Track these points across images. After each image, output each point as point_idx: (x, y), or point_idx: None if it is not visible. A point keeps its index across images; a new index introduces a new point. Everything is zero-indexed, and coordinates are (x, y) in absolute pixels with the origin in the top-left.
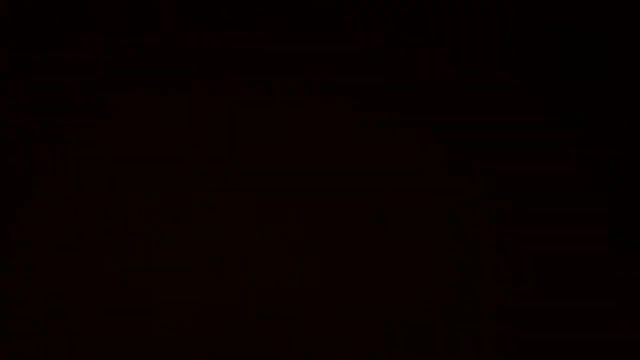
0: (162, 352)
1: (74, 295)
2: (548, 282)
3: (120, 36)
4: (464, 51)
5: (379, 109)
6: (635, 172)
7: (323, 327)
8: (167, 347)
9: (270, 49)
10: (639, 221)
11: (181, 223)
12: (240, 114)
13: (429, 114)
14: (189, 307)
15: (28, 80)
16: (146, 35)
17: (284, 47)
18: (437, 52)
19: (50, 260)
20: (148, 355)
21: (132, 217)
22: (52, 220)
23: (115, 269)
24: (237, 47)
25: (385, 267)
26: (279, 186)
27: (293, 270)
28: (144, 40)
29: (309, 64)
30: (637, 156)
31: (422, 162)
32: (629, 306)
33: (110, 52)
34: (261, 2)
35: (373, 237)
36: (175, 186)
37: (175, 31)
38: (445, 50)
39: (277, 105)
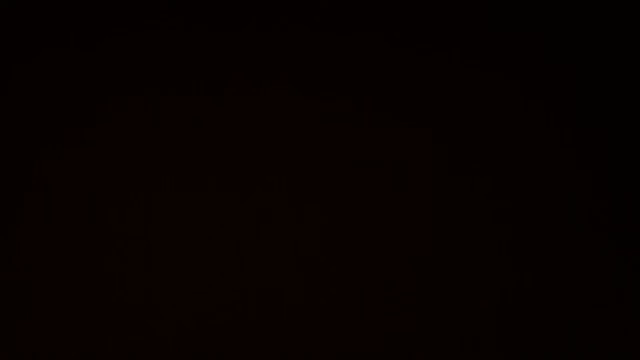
0: (162, 352)
1: (73, 294)
2: (548, 282)
3: (120, 37)
4: (464, 51)
5: (379, 109)
6: (636, 172)
7: (323, 327)
8: (167, 347)
9: (270, 49)
10: (639, 221)
11: (182, 223)
12: (239, 115)
13: (428, 113)
14: (189, 308)
15: (26, 82)
16: (146, 35)
17: (282, 48)
18: (437, 51)
19: (49, 260)
20: (147, 355)
21: (131, 217)
22: (51, 221)
23: (114, 269)
24: (239, 47)
25: (385, 267)
26: (277, 186)
27: (293, 270)
28: (143, 41)
29: (309, 64)
30: (637, 156)
31: (422, 162)
32: (629, 306)
33: (107, 54)
34: (259, 3)
35: (373, 237)
36: (176, 187)
37: (175, 31)
38: (445, 50)
39: (274, 105)
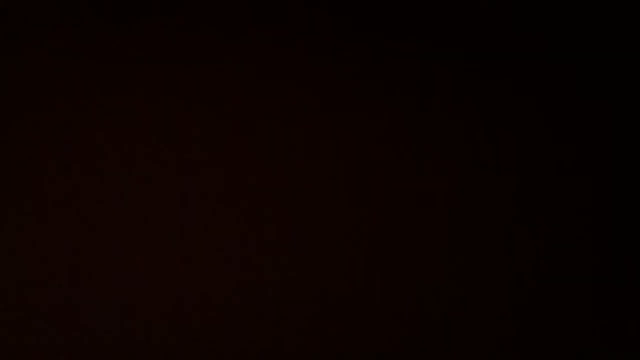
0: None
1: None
2: (548, 282)
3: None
4: (465, 49)
5: (377, 107)
6: (635, 173)
7: (322, 327)
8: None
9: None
10: (639, 221)
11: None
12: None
13: (427, 113)
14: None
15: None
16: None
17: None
18: (438, 51)
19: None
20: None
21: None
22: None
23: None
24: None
25: (386, 267)
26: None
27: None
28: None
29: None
30: (637, 156)
31: (422, 162)
32: (629, 306)
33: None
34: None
35: (373, 238)
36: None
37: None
38: (445, 50)
39: (269, 107)
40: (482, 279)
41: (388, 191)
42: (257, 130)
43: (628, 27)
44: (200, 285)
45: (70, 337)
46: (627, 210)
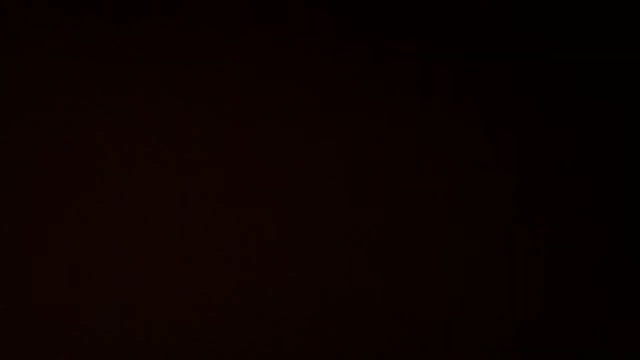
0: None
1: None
2: (548, 282)
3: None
4: (465, 50)
5: (377, 107)
6: (635, 173)
7: (322, 327)
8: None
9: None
10: (639, 221)
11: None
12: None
13: (427, 113)
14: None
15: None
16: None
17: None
18: (437, 51)
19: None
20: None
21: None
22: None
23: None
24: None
25: (388, 268)
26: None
27: (290, 267)
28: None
29: (304, 63)
30: (637, 156)
31: (422, 162)
32: (629, 306)
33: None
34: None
35: (374, 238)
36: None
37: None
38: (444, 50)
39: (272, 105)
40: (482, 279)
41: (388, 191)
42: (257, 130)
43: (628, 27)
44: (200, 285)
45: (70, 337)
46: (627, 210)
